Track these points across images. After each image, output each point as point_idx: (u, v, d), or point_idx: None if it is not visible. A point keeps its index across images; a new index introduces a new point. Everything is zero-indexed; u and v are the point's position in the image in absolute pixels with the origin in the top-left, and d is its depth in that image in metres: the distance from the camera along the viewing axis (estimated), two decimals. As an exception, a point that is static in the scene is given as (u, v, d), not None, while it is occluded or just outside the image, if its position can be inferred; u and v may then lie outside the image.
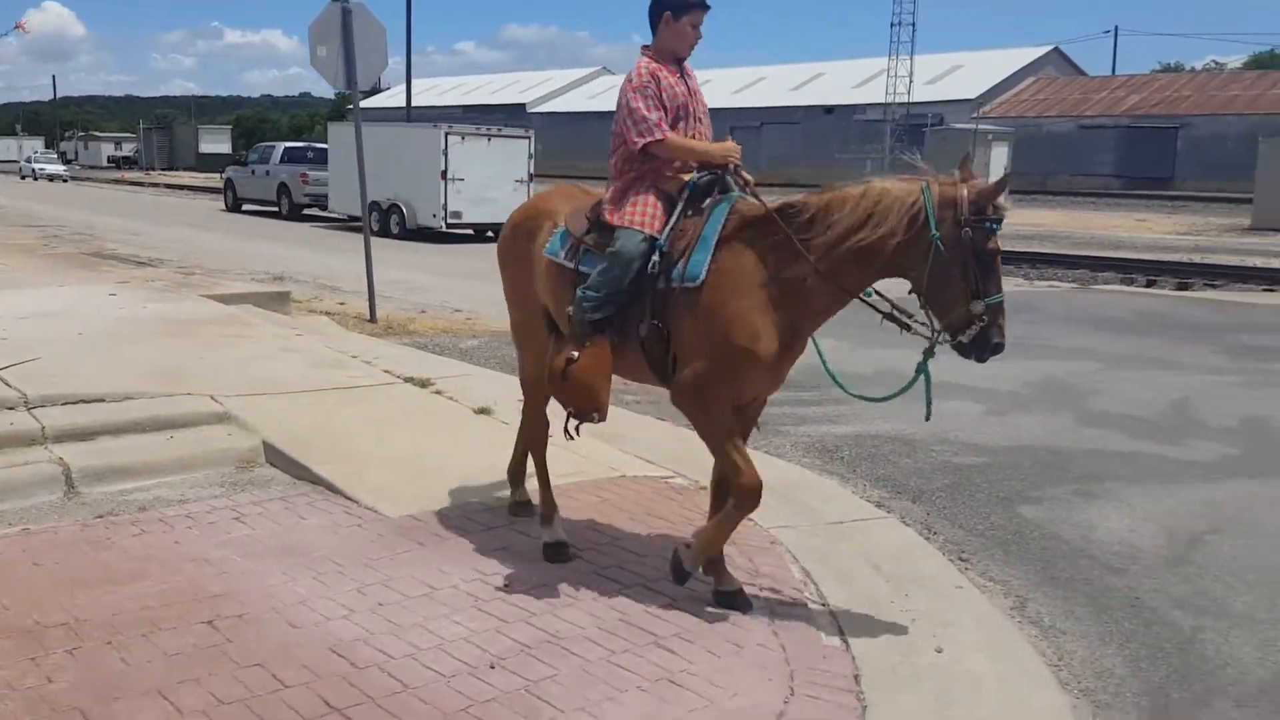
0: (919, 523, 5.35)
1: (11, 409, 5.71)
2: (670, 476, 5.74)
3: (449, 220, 22.68)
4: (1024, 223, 31.63)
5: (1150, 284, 17.42)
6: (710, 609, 4.06)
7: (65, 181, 53.08)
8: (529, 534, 4.76)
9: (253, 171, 31.15)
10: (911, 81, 44.75)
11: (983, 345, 3.83)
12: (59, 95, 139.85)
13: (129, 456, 5.49)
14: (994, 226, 3.77)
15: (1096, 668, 3.82)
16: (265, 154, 31.43)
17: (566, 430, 4.53)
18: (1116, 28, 76.33)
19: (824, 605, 4.19)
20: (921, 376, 4.13)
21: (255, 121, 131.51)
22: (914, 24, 44.09)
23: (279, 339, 8.04)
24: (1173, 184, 49.21)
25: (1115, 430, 7.22)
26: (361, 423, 6.16)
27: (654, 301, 4.14)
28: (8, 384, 6.07)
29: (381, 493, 5.18)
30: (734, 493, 4.09)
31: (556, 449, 5.96)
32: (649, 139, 4.27)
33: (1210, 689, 3.68)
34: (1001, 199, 3.80)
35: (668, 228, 4.19)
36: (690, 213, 4.24)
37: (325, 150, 28.11)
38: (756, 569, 4.50)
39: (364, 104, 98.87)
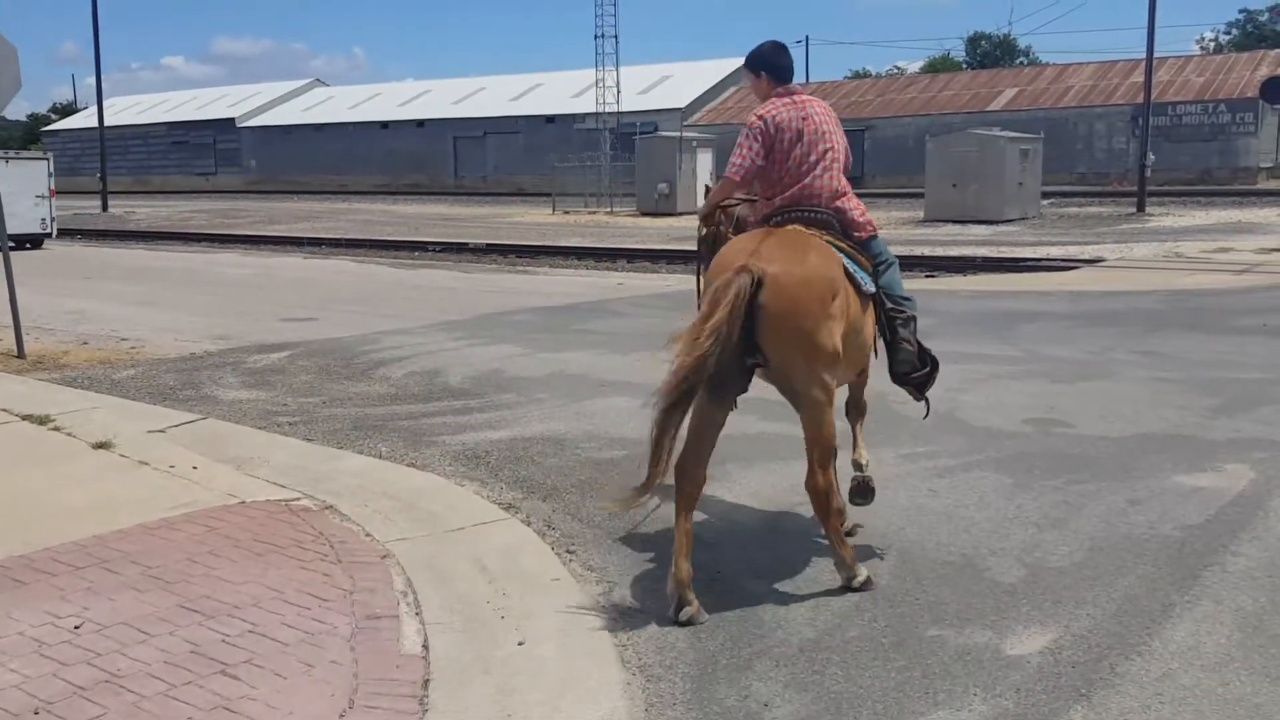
0: (541, 520, 5.51)
1: None
2: (296, 499, 5.64)
3: None
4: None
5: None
6: (292, 629, 4.02)
7: None
8: (117, 572, 4.56)
9: None
10: (619, 91, 45.90)
11: None
12: None
13: None
14: None
15: (660, 643, 4.05)
16: None
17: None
18: (808, 37, 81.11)
19: (417, 613, 4.24)
20: None
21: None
22: (616, 36, 45.21)
23: (-122, 384, 7.33)
24: (863, 183, 52.93)
25: (749, 414, 7.65)
26: (-44, 469, 5.72)
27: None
28: None
29: (-39, 542, 4.82)
30: None
31: (175, 479, 5.79)
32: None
33: (757, 652, 3.99)
34: None
35: None
36: None
37: None
38: (354, 585, 4.49)
39: (58, 125, 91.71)
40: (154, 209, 47.49)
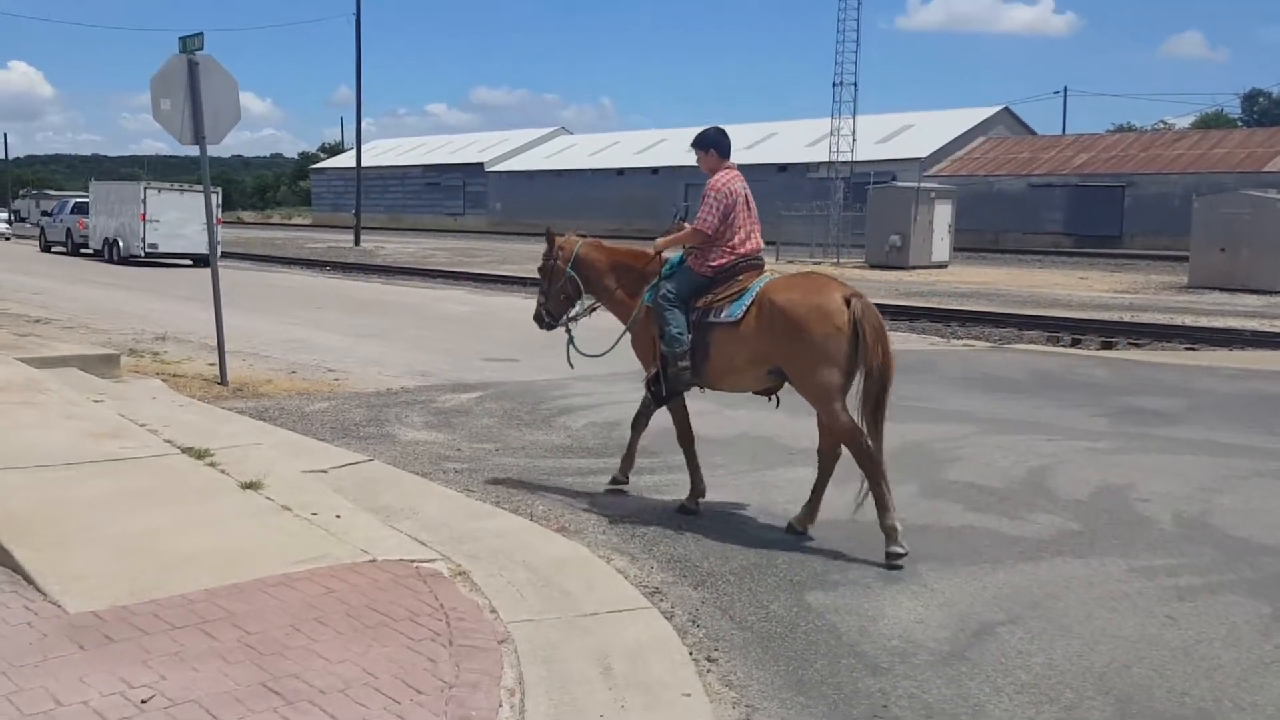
0: (686, 613, 4.81)
1: None
2: (431, 559, 5.17)
3: (147, 250, 31.02)
4: (966, 280, 31.54)
5: (1075, 342, 17.14)
6: (367, 729, 3.48)
7: (8, 239, 52.21)
8: (213, 636, 4.17)
9: (54, 221, 39.60)
10: (855, 140, 44.80)
11: None
12: (26, 154, 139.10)
13: None
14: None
15: (794, 800, 3.26)
16: (60, 207, 40.31)
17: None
18: (1065, 88, 77.42)
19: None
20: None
21: (221, 181, 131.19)
22: (855, 84, 44.19)
23: (67, 405, 7.45)
24: (1120, 242, 49.51)
25: (956, 502, 6.73)
26: (102, 499, 5.57)
27: None
28: None
29: (75, 582, 4.58)
30: None
31: (313, 528, 5.44)
32: None
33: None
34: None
35: None
36: None
37: None
38: (458, 677, 3.92)
39: (325, 164, 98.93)
40: (401, 245, 50.02)
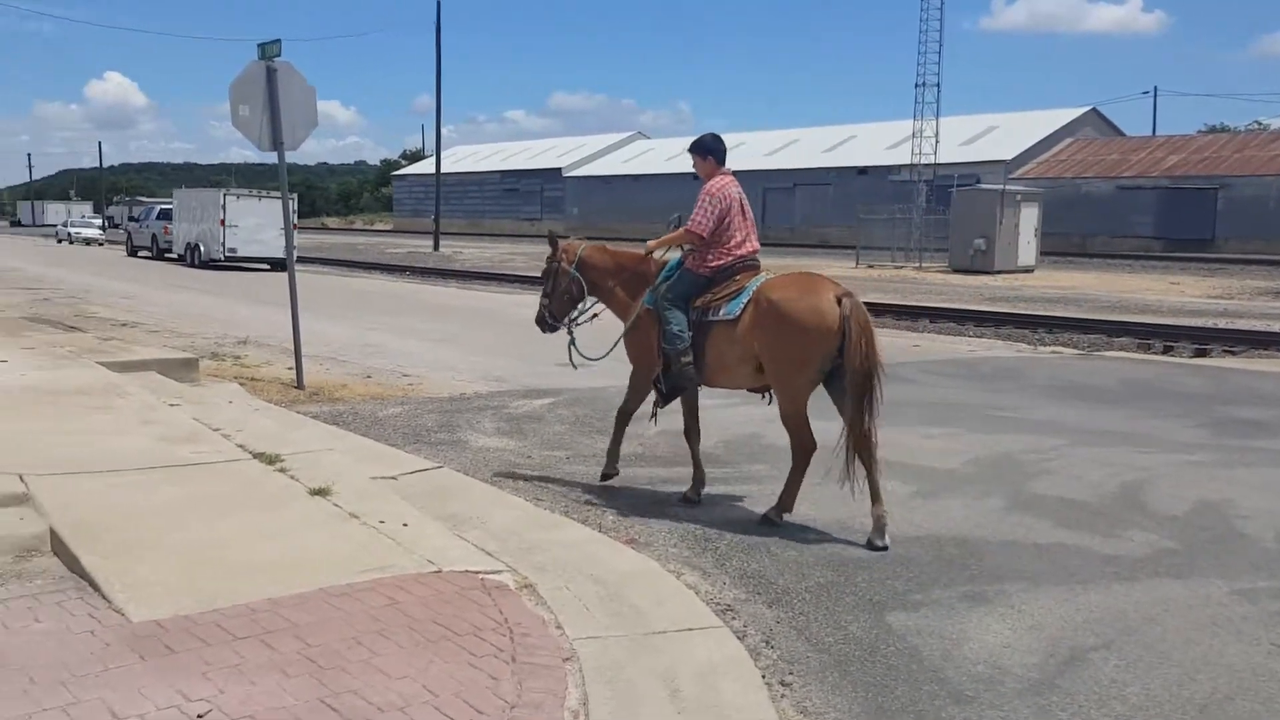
0: (760, 632, 4.60)
1: None
2: (497, 571, 5.04)
3: (227, 254, 32.53)
4: (1053, 285, 30.73)
5: (1167, 350, 16.51)
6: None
7: (101, 245, 53.83)
8: (274, 647, 4.09)
9: (140, 226, 41.69)
10: (938, 142, 43.94)
11: None
12: (120, 162, 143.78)
13: (-116, 545, 4.92)
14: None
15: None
16: (146, 213, 42.39)
17: None
18: (1155, 88, 75.21)
19: (579, 745, 3.46)
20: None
21: (304, 188, 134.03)
22: (938, 85, 43.34)
23: (144, 410, 7.49)
24: (1213, 245, 47.89)
25: (1045, 518, 6.41)
26: (171, 505, 5.55)
27: None
28: None
29: (139, 590, 4.55)
30: None
31: (380, 537, 5.35)
32: None
33: None
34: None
35: None
36: None
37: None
38: (520, 697, 3.77)
39: (406, 170, 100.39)
40: (480, 250, 50.38)
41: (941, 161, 45.73)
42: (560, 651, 4.23)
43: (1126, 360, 14.77)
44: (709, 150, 6.65)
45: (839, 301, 5.95)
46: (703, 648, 4.32)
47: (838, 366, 5.97)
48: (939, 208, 40.49)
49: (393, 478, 6.65)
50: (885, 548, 5.73)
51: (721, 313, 6.28)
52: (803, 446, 6.18)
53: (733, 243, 6.46)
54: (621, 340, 6.92)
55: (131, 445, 6.56)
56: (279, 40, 10.09)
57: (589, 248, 7.12)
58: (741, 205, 6.53)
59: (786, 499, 6.23)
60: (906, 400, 10.57)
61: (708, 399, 8.02)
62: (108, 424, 7.01)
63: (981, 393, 11.29)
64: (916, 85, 43.78)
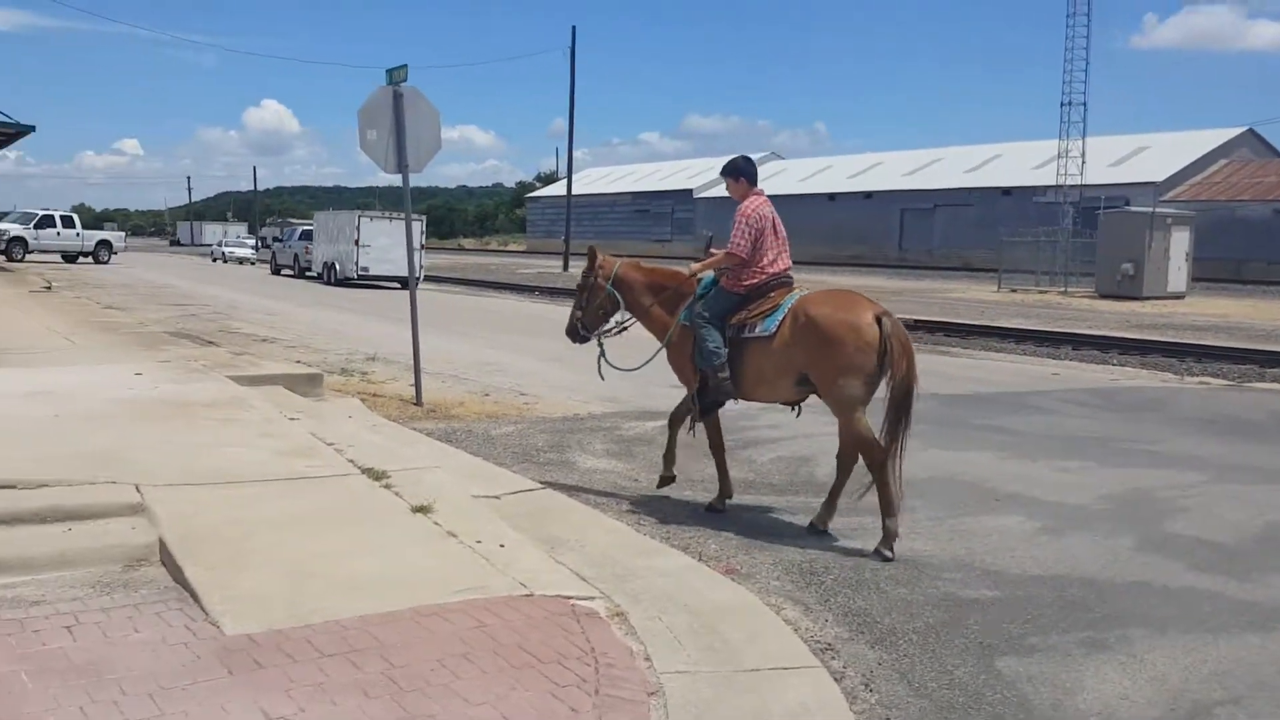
0: (859, 675, 4.37)
1: (-93, 493, 5.44)
2: (589, 597, 4.94)
3: (359, 273, 34.12)
4: (1204, 312, 29.20)
5: (1329, 382, 15.42)
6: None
7: (252, 264, 56.27)
8: (359, 667, 4.06)
9: (284, 246, 44.20)
10: (1084, 162, 42.32)
11: None
12: (275, 185, 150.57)
13: (5, 550, 5.09)
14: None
15: None
16: (290, 234, 45.20)
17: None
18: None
19: (654, 789, 3.31)
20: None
21: (445, 210, 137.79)
22: (1085, 104, 41.80)
23: (264, 424, 7.66)
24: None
25: (1178, 559, 5.97)
26: (277, 518, 5.62)
27: None
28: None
29: (236, 603, 4.59)
30: None
31: (475, 557, 5.31)
32: None
33: None
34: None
35: None
36: None
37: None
38: (597, 732, 3.64)
39: (539, 192, 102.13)
40: (611, 271, 50.69)
41: (1089, 183, 44.09)
42: (646, 685, 4.08)
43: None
44: (741, 172, 6.77)
45: (878, 321, 6.09)
46: (796, 688, 4.12)
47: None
48: (1085, 230, 38.97)
49: (495, 497, 6.63)
50: (891, 558, 5.89)
51: (758, 329, 6.46)
52: (871, 456, 6.20)
53: (765, 261, 6.60)
54: (656, 356, 7.23)
55: (247, 458, 6.70)
56: (405, 65, 10.32)
57: (625, 264, 7.34)
58: (774, 224, 6.66)
59: (885, 507, 6.12)
60: (1041, 431, 10.11)
61: (827, 427, 7.79)
62: (228, 436, 7.19)
63: (1121, 424, 10.71)
64: (1062, 104, 42.37)
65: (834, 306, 6.26)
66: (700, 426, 7.09)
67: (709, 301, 6.70)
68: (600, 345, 7.41)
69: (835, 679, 4.26)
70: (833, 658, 4.53)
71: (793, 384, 6.45)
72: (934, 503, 7.23)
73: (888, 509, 6.04)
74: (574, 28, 51.40)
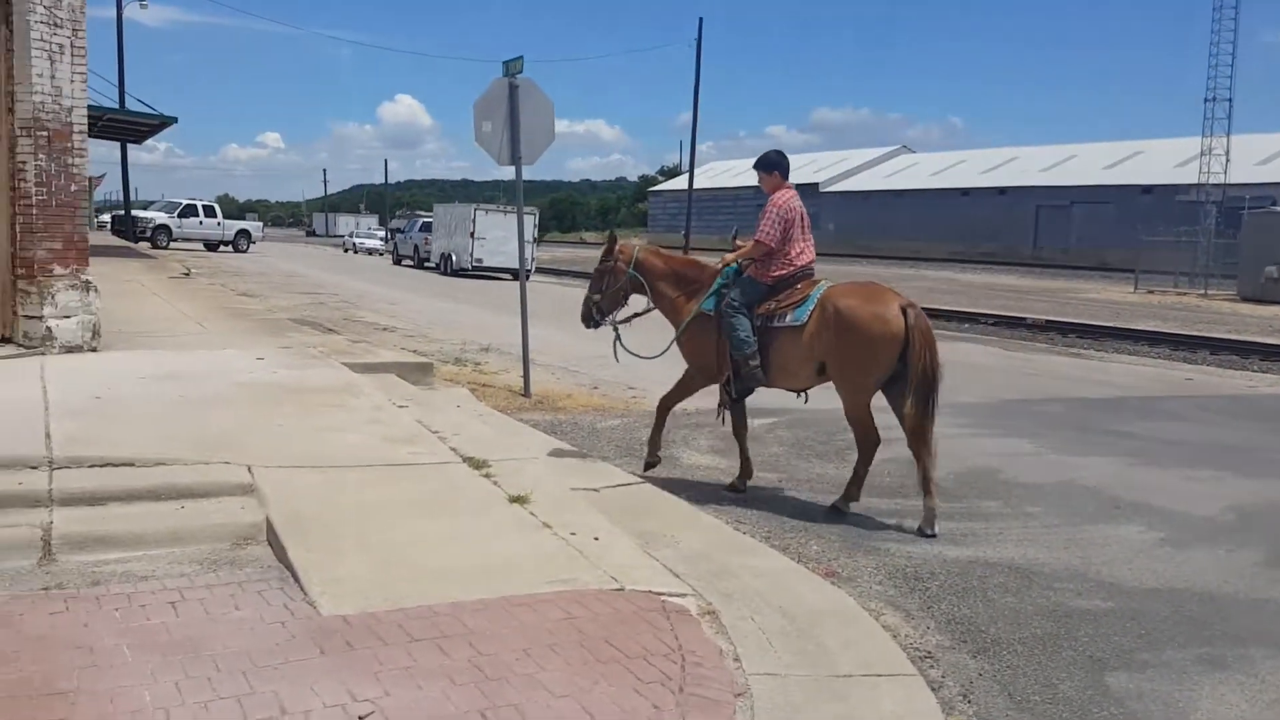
0: (958, 685, 4.20)
1: (34, 468, 5.69)
2: (681, 594, 4.87)
3: (474, 264, 34.87)
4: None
5: None
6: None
7: (381, 255, 57.80)
8: (447, 653, 4.07)
9: (405, 238, 45.22)
10: (1228, 161, 40.29)
11: None
12: (406, 178, 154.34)
13: (121, 525, 5.29)
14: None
15: None
16: (411, 226, 45.91)
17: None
18: None
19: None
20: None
21: (568, 204, 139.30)
22: (1230, 100, 39.78)
23: (374, 410, 7.80)
24: None
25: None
26: (380, 503, 5.71)
27: None
28: (49, 441, 6.11)
29: (334, 585, 4.67)
30: None
31: (568, 549, 5.29)
32: None
33: None
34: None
35: None
36: None
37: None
38: (679, 732, 3.57)
39: (661, 186, 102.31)
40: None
41: (1233, 182, 41.98)
42: (733, 686, 4.00)
43: None
44: (774, 166, 7.00)
45: (904, 312, 6.31)
46: (890, 697, 3.98)
47: (898, 372, 6.36)
48: (1229, 231, 37.13)
49: (594, 489, 6.61)
50: (934, 535, 6.15)
51: (788, 319, 6.66)
52: (869, 440, 6.63)
53: (793, 253, 6.84)
54: (676, 342, 7.39)
55: (356, 442, 6.83)
56: (521, 57, 10.38)
57: (645, 250, 7.59)
58: (802, 217, 6.88)
59: (853, 489, 6.65)
60: (1170, 437, 9.65)
61: (947, 428, 7.56)
62: (339, 421, 7.35)
63: (1258, 433, 10.13)
64: (1206, 100, 40.46)
65: (862, 299, 6.47)
66: (727, 413, 7.36)
67: (739, 291, 6.85)
68: (615, 330, 7.60)
69: (932, 688, 4.10)
70: (931, 666, 4.37)
71: (813, 372, 6.70)
72: (1051, 509, 6.94)
73: (855, 490, 6.63)
74: (700, 19, 51.52)
